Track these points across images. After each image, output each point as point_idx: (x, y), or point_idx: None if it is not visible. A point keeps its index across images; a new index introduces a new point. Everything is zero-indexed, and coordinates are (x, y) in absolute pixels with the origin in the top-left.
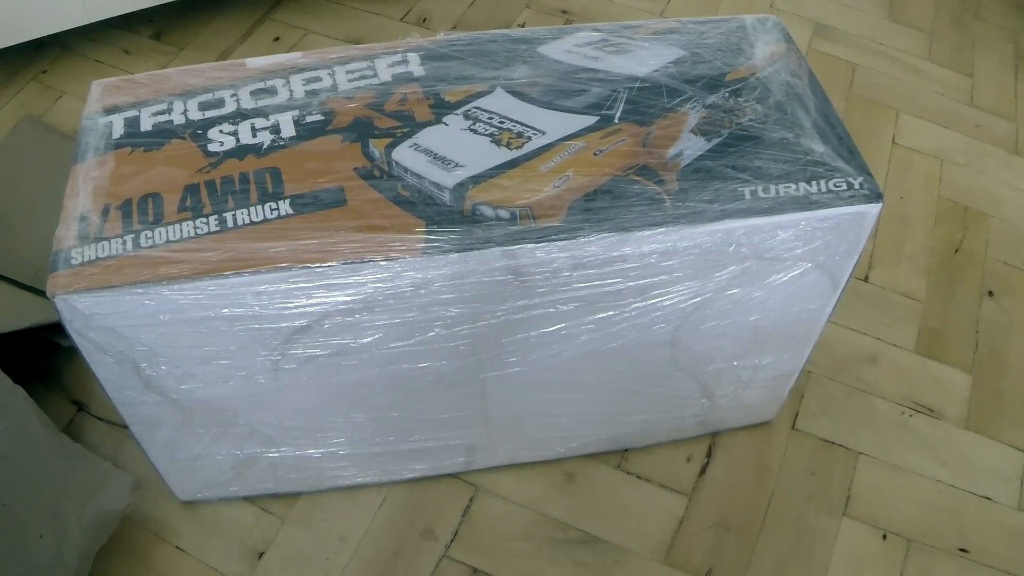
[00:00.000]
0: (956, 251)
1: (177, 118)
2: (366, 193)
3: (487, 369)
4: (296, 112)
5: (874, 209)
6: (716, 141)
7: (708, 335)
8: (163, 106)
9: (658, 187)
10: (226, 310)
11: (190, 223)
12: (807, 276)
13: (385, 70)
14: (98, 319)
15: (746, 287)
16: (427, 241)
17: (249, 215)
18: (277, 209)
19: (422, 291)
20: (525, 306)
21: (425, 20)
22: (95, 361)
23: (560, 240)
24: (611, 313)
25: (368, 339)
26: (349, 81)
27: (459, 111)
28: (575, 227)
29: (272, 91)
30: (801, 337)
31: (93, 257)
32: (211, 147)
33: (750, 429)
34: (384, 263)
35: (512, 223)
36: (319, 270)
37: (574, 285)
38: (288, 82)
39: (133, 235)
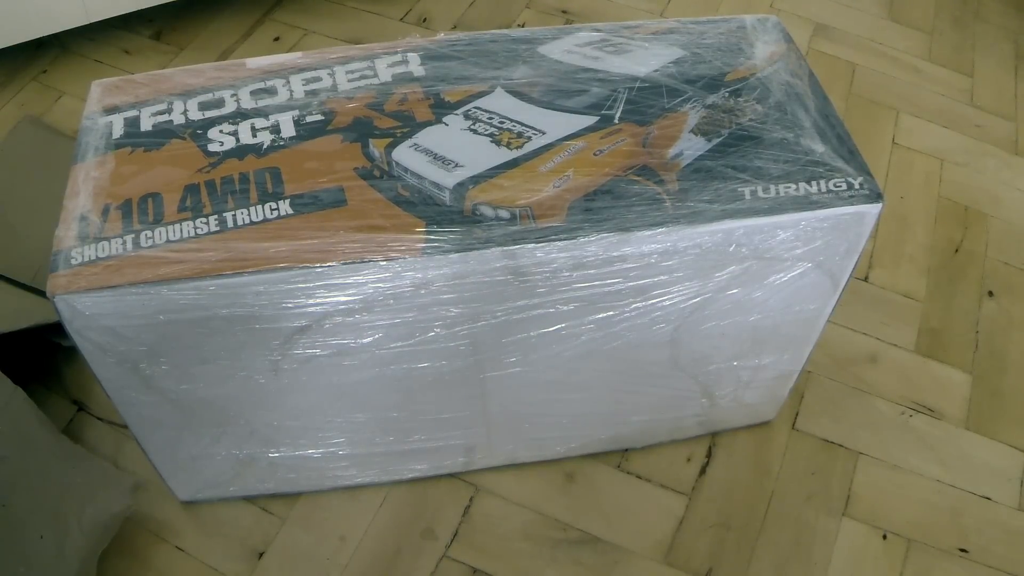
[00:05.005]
0: (956, 251)
1: (177, 118)
2: (366, 193)
3: (487, 369)
4: (296, 112)
5: (874, 209)
6: (716, 141)
7: (708, 335)
8: (163, 106)
9: (658, 187)
10: (226, 310)
11: (190, 223)
12: (807, 276)
13: (385, 70)
14: (98, 319)
15: (746, 287)
16: (427, 241)
17: (249, 215)
18: (277, 209)
19: (422, 291)
20: (525, 306)
21: (425, 20)
22: (95, 361)
23: (560, 240)
24: (611, 313)
25: (368, 339)
26: (349, 81)
27: (459, 111)
28: (575, 227)
29: (272, 91)
30: (801, 337)
31: (93, 257)
32: (211, 147)
33: (750, 429)
34: (384, 263)
35: (512, 223)
36: (319, 270)
37: (574, 285)
38: (288, 82)
39: (133, 235)
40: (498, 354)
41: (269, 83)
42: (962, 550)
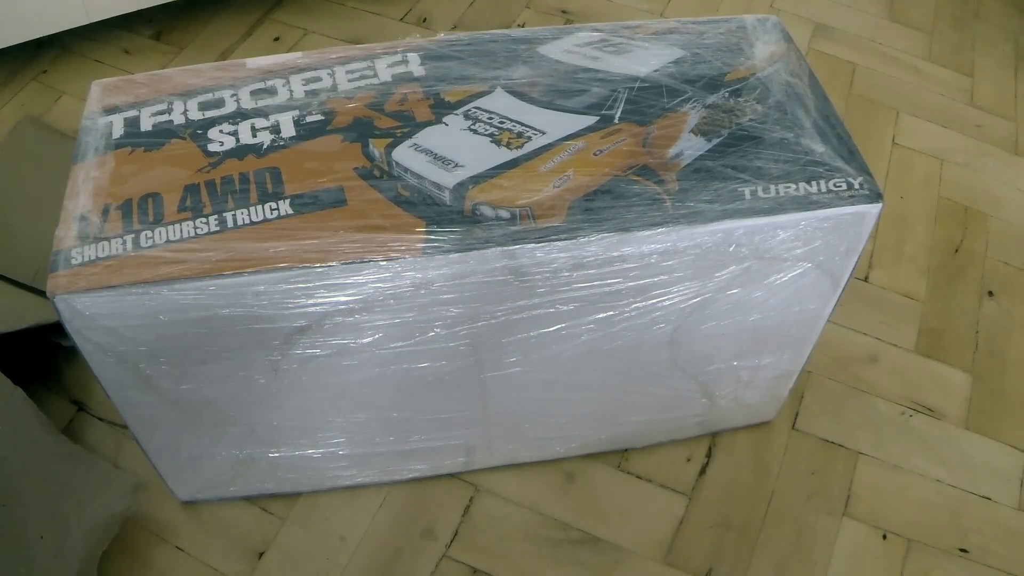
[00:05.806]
0: (956, 251)
1: (177, 118)
2: (366, 193)
3: (487, 369)
4: (296, 112)
5: (874, 209)
6: (716, 141)
7: (708, 335)
8: (163, 106)
9: (658, 187)
10: (226, 310)
11: (190, 223)
12: (807, 276)
13: (385, 70)
14: (98, 319)
15: (746, 287)
16: (427, 241)
17: (249, 215)
18: (277, 209)
19: (422, 291)
20: (525, 306)
21: (425, 20)
22: (95, 361)
23: (560, 240)
24: (611, 313)
25: (368, 339)
26: (349, 81)
27: (459, 111)
28: (575, 227)
29: (272, 91)
30: (801, 337)
31: (93, 257)
32: (211, 147)
33: (750, 429)
34: (384, 263)
35: (512, 223)
36: (319, 270)
37: (574, 285)
38: (288, 82)
39: (133, 235)
40: (498, 354)
41: (269, 83)
42: (962, 550)
